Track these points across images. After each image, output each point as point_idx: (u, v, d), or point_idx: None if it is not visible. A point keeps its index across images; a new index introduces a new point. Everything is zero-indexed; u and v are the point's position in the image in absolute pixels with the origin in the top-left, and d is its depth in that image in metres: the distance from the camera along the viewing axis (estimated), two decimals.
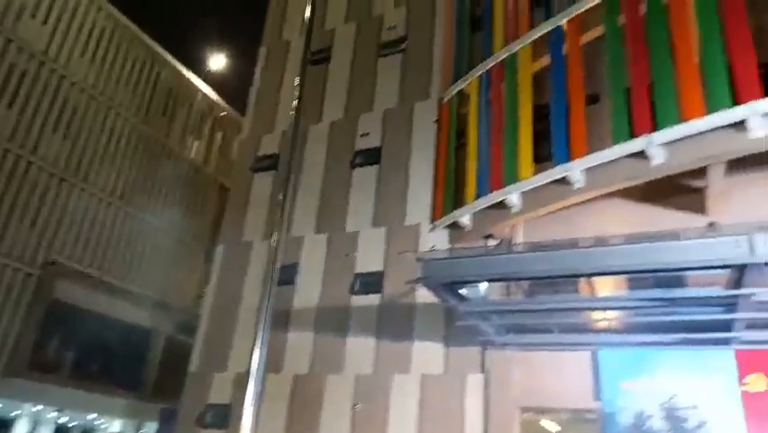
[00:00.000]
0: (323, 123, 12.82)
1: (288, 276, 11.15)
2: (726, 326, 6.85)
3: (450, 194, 10.11)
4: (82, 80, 21.59)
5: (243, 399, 5.68)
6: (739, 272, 5.64)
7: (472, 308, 7.62)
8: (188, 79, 26.78)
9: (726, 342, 7.28)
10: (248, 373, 5.83)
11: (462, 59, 10.88)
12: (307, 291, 11.17)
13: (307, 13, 9.23)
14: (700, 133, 6.97)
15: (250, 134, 13.86)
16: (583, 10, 8.77)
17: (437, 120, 11.15)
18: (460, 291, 7.38)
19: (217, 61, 30.40)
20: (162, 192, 24.62)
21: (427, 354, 9.58)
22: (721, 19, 7.11)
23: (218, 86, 28.85)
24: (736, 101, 6.68)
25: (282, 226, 6.86)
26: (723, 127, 6.82)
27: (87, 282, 20.61)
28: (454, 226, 9.95)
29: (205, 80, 28.07)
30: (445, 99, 10.97)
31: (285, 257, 11.04)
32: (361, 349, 10.17)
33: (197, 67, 28.48)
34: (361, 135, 12.16)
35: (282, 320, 10.84)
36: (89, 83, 21.83)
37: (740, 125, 6.69)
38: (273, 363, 10.40)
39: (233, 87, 32.43)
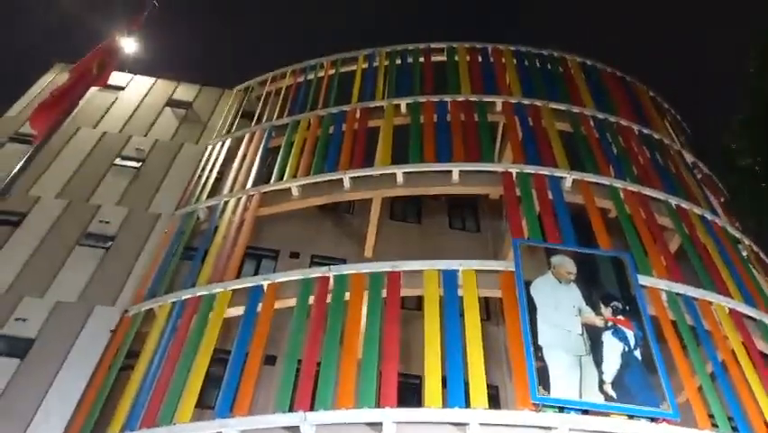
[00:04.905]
0: None
1: None
2: None
3: (93, 417, 8.82)
4: None
5: None
6: None
7: None
8: None
9: None
10: None
11: (163, 280, 10.70)
12: None
13: (17, 168, 8.26)
14: (345, 424, 7.65)
15: None
16: (283, 280, 9.78)
17: (114, 330, 10.23)
18: None
19: None
20: None
21: None
22: (382, 327, 8.55)
23: None
24: (378, 403, 7.67)
25: None
26: (365, 424, 7.61)
27: None
28: None
29: None
30: (130, 313, 10.32)
31: None
32: None
33: None
34: (16, 319, 10.36)
35: None
36: None
37: (378, 426, 7.57)
38: None
39: None
